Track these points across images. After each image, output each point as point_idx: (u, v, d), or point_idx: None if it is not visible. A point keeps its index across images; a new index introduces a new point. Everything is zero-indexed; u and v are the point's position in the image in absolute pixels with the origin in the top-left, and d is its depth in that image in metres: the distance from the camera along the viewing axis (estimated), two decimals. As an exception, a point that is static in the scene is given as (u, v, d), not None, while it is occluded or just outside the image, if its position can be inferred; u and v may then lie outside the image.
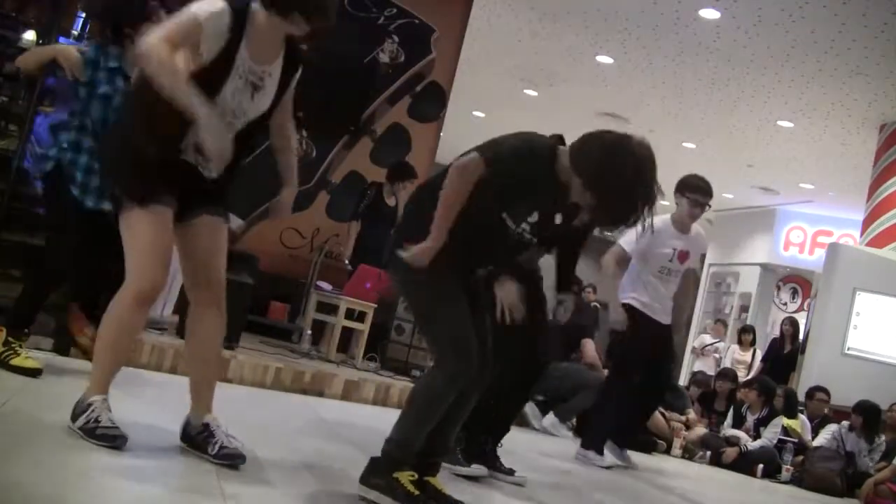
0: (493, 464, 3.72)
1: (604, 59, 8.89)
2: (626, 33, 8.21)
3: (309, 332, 6.19)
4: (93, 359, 2.72)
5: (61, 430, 2.56)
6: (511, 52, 9.32)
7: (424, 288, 2.68)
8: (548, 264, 3.91)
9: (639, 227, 2.67)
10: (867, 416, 6.88)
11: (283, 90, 2.74)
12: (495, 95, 10.74)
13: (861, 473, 6.65)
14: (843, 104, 8.78)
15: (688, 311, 5.28)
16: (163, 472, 2.52)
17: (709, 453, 6.95)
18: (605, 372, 6.15)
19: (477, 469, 3.59)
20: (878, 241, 8.74)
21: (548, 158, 2.68)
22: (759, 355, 10.35)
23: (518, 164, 2.63)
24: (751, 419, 7.27)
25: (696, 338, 12.61)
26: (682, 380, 10.78)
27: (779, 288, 14.24)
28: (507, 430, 3.98)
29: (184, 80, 2.44)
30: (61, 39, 5.08)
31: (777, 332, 10.80)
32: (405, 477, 2.60)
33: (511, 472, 3.73)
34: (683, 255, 5.09)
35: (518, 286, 3.48)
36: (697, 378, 8.55)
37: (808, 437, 7.16)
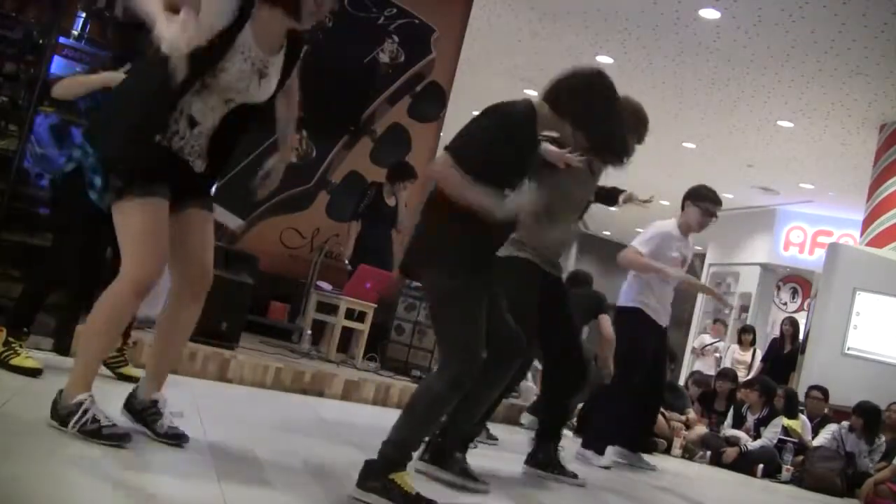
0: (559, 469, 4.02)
1: (604, 59, 8.89)
2: (626, 33, 8.21)
3: (309, 332, 6.19)
4: (79, 351, 2.71)
5: (57, 431, 2.56)
6: (511, 52, 9.32)
7: (448, 291, 2.74)
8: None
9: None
10: (867, 418, 6.88)
11: (284, 80, 2.81)
12: (495, 95, 10.66)
13: (861, 473, 6.65)
14: (843, 104, 8.78)
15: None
16: (162, 471, 2.52)
17: (709, 453, 6.95)
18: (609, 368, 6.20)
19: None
20: (878, 241, 8.74)
21: (531, 121, 2.83)
22: (759, 355, 10.35)
23: (505, 142, 2.75)
24: (751, 419, 7.27)
25: (696, 338, 12.61)
26: (683, 380, 10.77)
27: (779, 288, 14.25)
28: (560, 435, 4.18)
29: (169, 29, 2.33)
30: (61, 39, 5.08)
31: (777, 332, 10.79)
32: (402, 477, 2.60)
33: (574, 475, 4.02)
34: (683, 261, 5.22)
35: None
36: (697, 378, 8.55)
37: (808, 437, 7.16)
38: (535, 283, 3.69)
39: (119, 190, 2.57)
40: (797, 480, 6.74)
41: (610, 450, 5.34)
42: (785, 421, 7.13)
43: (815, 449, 6.87)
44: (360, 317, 6.28)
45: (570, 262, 18.76)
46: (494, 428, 5.04)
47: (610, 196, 4.45)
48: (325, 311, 6.25)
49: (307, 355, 5.88)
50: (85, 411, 2.52)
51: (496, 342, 2.86)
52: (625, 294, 5.17)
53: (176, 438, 2.72)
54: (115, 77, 3.59)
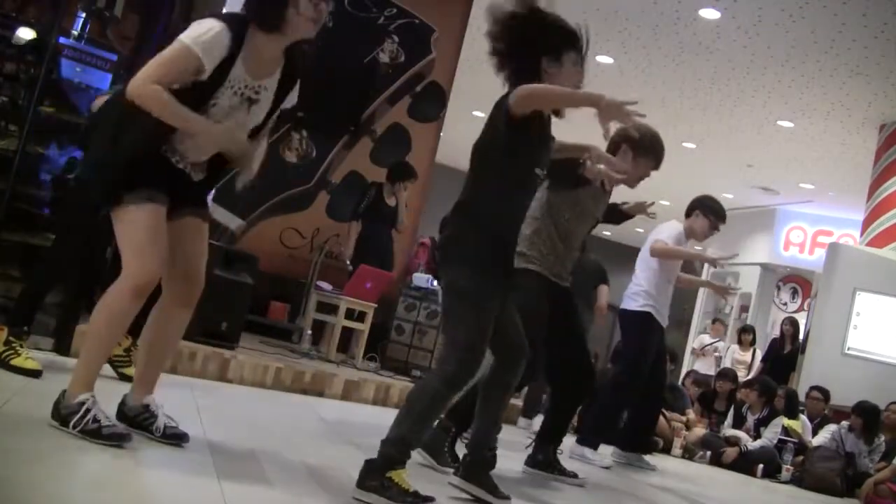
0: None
1: (604, 59, 8.89)
2: (626, 33, 8.21)
3: (309, 332, 6.19)
4: (81, 352, 2.72)
5: (57, 430, 2.56)
6: (511, 52, 9.30)
7: (471, 292, 2.79)
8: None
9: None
10: (866, 418, 6.88)
11: (278, 103, 2.80)
12: (495, 95, 10.67)
13: (861, 474, 6.65)
14: (843, 104, 8.77)
15: None
16: (162, 471, 2.52)
17: (709, 453, 6.95)
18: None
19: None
20: (878, 241, 8.74)
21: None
22: (759, 355, 10.35)
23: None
24: (751, 419, 7.27)
25: (696, 338, 12.60)
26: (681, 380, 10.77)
27: (779, 288, 14.23)
28: (561, 439, 4.23)
29: (184, 114, 2.54)
30: (61, 40, 5.07)
31: (777, 332, 10.79)
32: (399, 475, 2.61)
33: (574, 474, 4.08)
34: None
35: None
36: (697, 378, 8.55)
37: (808, 437, 7.16)
38: (543, 294, 3.76)
39: (118, 196, 2.59)
40: (797, 480, 6.74)
41: (610, 450, 5.35)
42: (785, 421, 7.13)
43: (814, 449, 6.87)
44: (360, 317, 6.28)
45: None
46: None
47: (614, 212, 4.45)
48: (325, 311, 6.25)
49: (307, 355, 5.88)
50: (86, 411, 2.53)
51: (508, 348, 2.99)
52: (633, 297, 5.22)
53: (176, 438, 2.73)
54: None
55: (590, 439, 5.04)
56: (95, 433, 2.50)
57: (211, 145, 2.69)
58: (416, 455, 3.38)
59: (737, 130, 10.45)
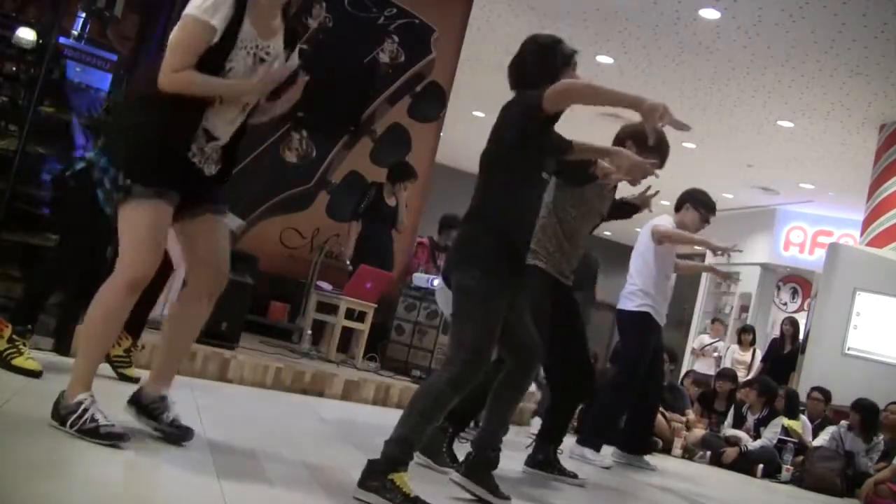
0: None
1: (604, 59, 8.89)
2: (626, 33, 8.21)
3: (309, 332, 6.19)
4: (78, 350, 2.73)
5: (57, 430, 2.56)
6: (511, 53, 9.30)
7: (481, 294, 2.81)
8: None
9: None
10: (865, 415, 6.88)
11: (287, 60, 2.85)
12: (495, 95, 10.68)
13: (861, 473, 6.65)
14: (843, 104, 8.77)
15: None
16: (162, 470, 2.52)
17: (709, 453, 6.95)
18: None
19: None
20: (878, 241, 8.73)
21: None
22: (759, 355, 10.35)
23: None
24: (751, 419, 7.26)
25: (696, 338, 12.60)
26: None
27: (779, 288, 14.23)
28: (561, 439, 4.23)
29: (222, 83, 2.63)
30: (61, 40, 5.07)
31: (777, 332, 10.79)
32: (401, 478, 2.61)
33: (574, 475, 4.09)
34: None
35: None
36: (697, 378, 8.55)
37: (808, 437, 7.15)
38: (547, 292, 3.77)
39: (128, 190, 2.61)
40: (797, 480, 6.74)
41: (610, 450, 5.34)
42: (785, 421, 7.13)
43: (814, 449, 6.87)
44: (360, 317, 6.28)
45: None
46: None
47: (622, 207, 4.40)
48: (325, 311, 6.25)
49: (307, 355, 5.88)
50: (84, 411, 2.53)
51: (518, 350, 3.04)
52: (629, 297, 5.18)
53: (180, 430, 2.76)
54: None
55: (590, 440, 5.03)
56: (93, 433, 2.50)
57: (254, 97, 2.74)
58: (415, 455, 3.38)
59: (737, 130, 10.45)
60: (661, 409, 6.93)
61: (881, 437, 6.94)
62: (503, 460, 3.16)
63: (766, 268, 13.90)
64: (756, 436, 7.09)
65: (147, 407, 2.80)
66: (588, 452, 4.96)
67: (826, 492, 6.53)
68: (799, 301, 13.97)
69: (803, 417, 7.33)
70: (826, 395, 7.49)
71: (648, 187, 4.16)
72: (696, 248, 15.25)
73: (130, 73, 4.70)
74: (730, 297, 14.37)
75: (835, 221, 13.17)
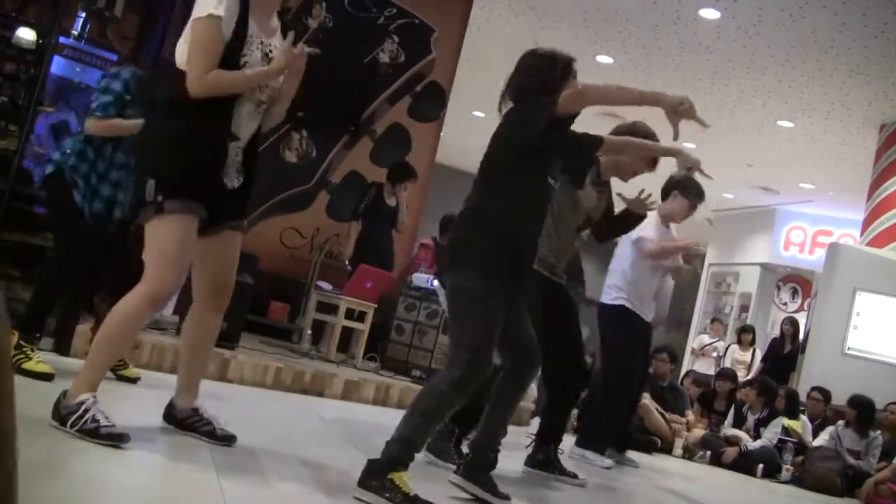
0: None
1: (604, 59, 8.89)
2: (626, 33, 8.21)
3: (309, 332, 6.19)
4: (89, 354, 2.73)
5: (58, 431, 2.56)
6: (511, 53, 9.30)
7: (477, 294, 2.80)
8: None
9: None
10: (860, 410, 6.88)
11: None
12: (495, 95, 10.69)
13: (861, 473, 6.65)
14: (843, 104, 8.77)
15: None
16: (163, 470, 2.52)
17: (709, 453, 6.95)
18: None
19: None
20: (878, 241, 8.73)
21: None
22: (759, 355, 10.35)
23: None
24: (751, 419, 7.27)
25: (696, 338, 12.60)
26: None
27: (779, 288, 14.24)
28: (560, 438, 4.22)
29: (248, 74, 2.69)
30: (61, 39, 5.08)
31: (777, 332, 10.79)
32: (400, 477, 2.61)
33: (574, 475, 4.05)
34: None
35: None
36: (697, 378, 8.55)
37: (808, 437, 7.15)
38: (539, 291, 3.74)
39: (160, 206, 2.64)
40: (797, 480, 6.74)
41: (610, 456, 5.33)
42: (785, 421, 7.13)
43: (814, 449, 6.87)
44: (360, 317, 6.28)
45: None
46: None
47: (625, 220, 4.20)
48: (325, 311, 6.25)
49: (307, 355, 5.88)
50: (85, 411, 2.53)
51: (517, 351, 3.02)
52: (606, 290, 5.13)
53: (225, 440, 2.88)
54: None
55: (591, 442, 5.02)
56: (93, 433, 2.50)
57: (274, 79, 2.78)
58: (421, 455, 3.37)
59: (737, 130, 10.45)
60: (661, 409, 6.95)
61: (878, 432, 6.93)
62: (503, 460, 3.16)
63: (766, 268, 13.90)
64: (756, 436, 7.09)
65: (184, 422, 2.90)
66: (588, 453, 4.95)
67: (826, 492, 6.53)
68: (799, 301, 13.97)
69: (803, 417, 7.33)
70: (826, 395, 7.49)
71: (642, 190, 4.08)
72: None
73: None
74: (730, 297, 14.37)
75: (835, 221, 13.17)
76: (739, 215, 14.25)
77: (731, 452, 6.86)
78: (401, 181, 6.91)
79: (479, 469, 3.03)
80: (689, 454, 6.94)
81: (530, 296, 3.54)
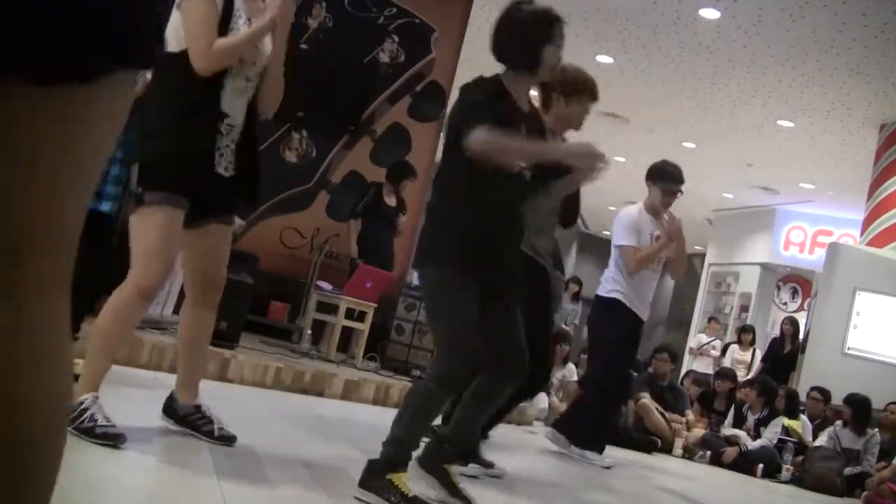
0: (475, 457, 3.68)
1: (604, 59, 8.89)
2: (626, 33, 8.21)
3: (309, 331, 6.19)
4: (87, 354, 2.73)
5: (61, 430, 2.55)
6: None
7: (443, 288, 2.73)
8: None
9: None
10: (857, 408, 6.88)
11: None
12: (495, 95, 10.65)
13: (860, 473, 6.64)
14: (843, 104, 8.77)
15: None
16: (162, 470, 2.52)
17: (709, 453, 6.95)
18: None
19: (473, 469, 3.60)
20: (878, 241, 8.73)
21: (500, 88, 2.88)
22: (759, 355, 10.35)
23: (491, 107, 2.75)
24: (751, 419, 7.27)
25: (693, 338, 12.59)
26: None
27: (779, 288, 14.24)
28: (494, 424, 3.98)
29: (241, 37, 2.68)
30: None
31: (777, 332, 10.79)
32: (399, 478, 2.61)
33: (491, 464, 3.71)
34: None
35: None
36: (697, 377, 8.55)
37: (808, 437, 7.16)
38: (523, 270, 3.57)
39: (140, 197, 2.64)
40: (797, 480, 6.74)
41: (612, 451, 5.32)
42: (785, 421, 7.13)
43: (815, 449, 6.87)
44: (360, 317, 6.28)
45: (571, 263, 18.76)
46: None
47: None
48: (325, 311, 6.25)
49: (307, 355, 5.88)
50: (84, 410, 2.53)
51: (498, 354, 2.82)
52: (603, 283, 5.08)
53: (226, 440, 2.86)
54: None
55: (590, 442, 5.01)
56: (89, 432, 2.50)
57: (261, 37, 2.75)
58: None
59: (737, 130, 10.45)
60: (660, 409, 6.95)
61: (875, 431, 6.93)
62: (503, 460, 3.16)
63: (766, 267, 13.90)
64: (756, 435, 7.09)
65: (185, 418, 2.89)
66: (588, 453, 4.94)
67: (826, 492, 6.53)
68: (799, 301, 13.98)
69: (803, 417, 7.33)
70: (825, 394, 7.49)
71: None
72: (698, 247, 15.27)
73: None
74: (730, 297, 14.38)
75: (835, 221, 13.17)
76: (739, 215, 14.25)
77: (731, 452, 6.86)
78: (400, 180, 6.91)
79: (434, 458, 2.84)
80: (689, 454, 6.94)
81: (520, 281, 3.23)
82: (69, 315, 0.93)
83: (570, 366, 7.88)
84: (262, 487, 2.54)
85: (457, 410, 2.96)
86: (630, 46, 8.50)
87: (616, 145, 10.79)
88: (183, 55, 2.63)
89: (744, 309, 13.90)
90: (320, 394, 5.13)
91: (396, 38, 7.78)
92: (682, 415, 7.18)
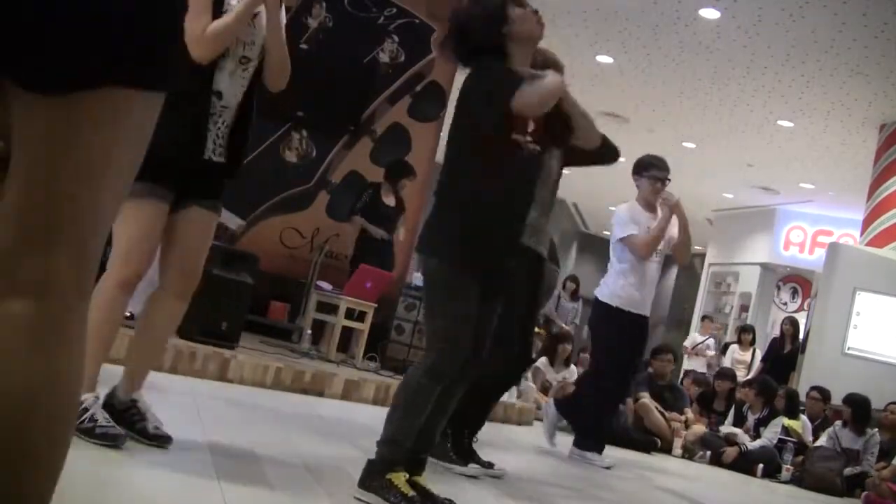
0: (472, 457, 3.71)
1: (604, 59, 8.89)
2: (626, 33, 8.21)
3: (309, 331, 6.19)
4: None
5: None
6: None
7: (443, 282, 2.70)
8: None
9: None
10: (856, 408, 6.88)
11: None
12: (495, 95, 10.65)
13: (860, 473, 6.64)
14: (843, 104, 8.77)
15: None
16: (161, 471, 2.52)
17: (709, 453, 6.95)
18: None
19: (473, 468, 3.60)
20: (878, 241, 8.73)
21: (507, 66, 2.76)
22: (759, 355, 10.35)
23: (512, 72, 2.71)
24: (751, 419, 7.26)
25: (688, 337, 12.57)
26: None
27: (779, 288, 14.24)
28: (483, 423, 3.99)
29: (232, 16, 2.62)
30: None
31: (777, 332, 10.79)
32: (399, 478, 2.60)
33: (490, 465, 3.72)
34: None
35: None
36: (697, 378, 8.55)
37: (808, 437, 7.15)
38: (523, 262, 3.48)
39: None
40: (797, 480, 6.74)
41: (613, 451, 5.32)
42: (785, 421, 7.12)
43: (814, 449, 6.87)
44: (360, 316, 6.28)
45: (570, 263, 18.77)
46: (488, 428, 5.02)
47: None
48: (325, 311, 6.25)
49: (307, 355, 5.88)
50: (84, 410, 2.53)
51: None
52: (602, 286, 5.07)
53: (159, 440, 2.64)
54: None
55: (590, 442, 5.01)
56: (89, 432, 2.49)
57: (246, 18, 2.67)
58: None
59: (737, 130, 10.45)
60: (660, 408, 6.95)
61: (875, 430, 6.93)
62: (504, 459, 3.16)
63: (766, 267, 13.91)
64: (756, 435, 7.09)
65: (122, 414, 2.67)
66: (588, 454, 4.94)
67: (826, 492, 6.52)
68: (799, 301, 13.98)
69: (804, 417, 7.33)
70: (825, 394, 7.48)
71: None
72: (698, 247, 15.27)
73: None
74: (730, 296, 14.38)
75: (835, 221, 13.17)
76: (739, 215, 14.25)
77: (731, 452, 6.86)
78: (398, 179, 6.90)
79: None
80: (688, 454, 6.94)
81: (516, 279, 3.20)
82: (85, 314, 0.97)
83: (572, 367, 7.89)
84: (262, 487, 2.54)
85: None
86: (630, 46, 8.50)
87: (616, 145, 10.78)
88: None
89: (744, 309, 13.90)
90: (320, 394, 5.13)
91: (396, 38, 7.78)
92: (682, 413, 7.18)
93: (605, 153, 3.91)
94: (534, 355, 7.53)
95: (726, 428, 7.24)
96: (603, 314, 5.04)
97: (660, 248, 5.02)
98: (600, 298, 5.04)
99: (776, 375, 8.58)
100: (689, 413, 7.28)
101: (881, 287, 8.26)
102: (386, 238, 6.81)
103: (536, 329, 8.09)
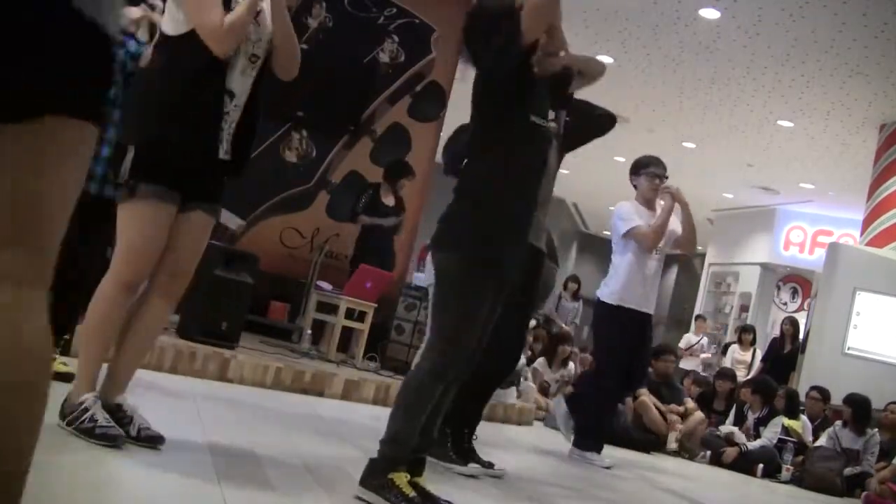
0: (472, 457, 3.71)
1: (604, 59, 8.88)
2: (626, 33, 8.21)
3: (309, 331, 6.19)
4: (79, 352, 2.71)
5: (60, 430, 2.56)
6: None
7: (457, 280, 2.68)
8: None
9: None
10: (856, 408, 6.88)
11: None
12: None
13: (860, 474, 6.64)
14: (843, 104, 8.78)
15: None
16: (161, 471, 2.52)
17: (709, 453, 6.95)
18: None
19: (473, 468, 3.60)
20: (878, 241, 8.74)
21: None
22: (760, 355, 10.35)
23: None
24: (751, 419, 7.26)
25: (683, 338, 12.55)
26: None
27: (779, 288, 14.25)
28: (480, 419, 3.99)
29: (243, 7, 2.59)
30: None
31: (777, 332, 10.79)
32: (400, 478, 2.60)
33: (490, 465, 3.71)
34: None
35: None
36: (697, 378, 8.55)
37: (808, 437, 7.15)
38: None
39: (133, 189, 2.57)
40: (797, 480, 6.74)
41: (613, 450, 5.33)
42: (785, 421, 7.12)
43: (814, 449, 6.86)
44: (360, 316, 6.28)
45: (570, 263, 18.77)
46: (487, 427, 5.02)
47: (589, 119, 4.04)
48: (325, 311, 6.25)
49: (307, 355, 5.88)
50: (84, 410, 2.53)
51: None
52: (603, 286, 5.06)
53: (150, 441, 2.60)
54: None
55: (589, 442, 5.01)
56: (89, 432, 2.50)
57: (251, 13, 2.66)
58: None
59: (737, 130, 10.45)
60: (657, 403, 6.93)
61: (875, 430, 6.93)
62: (503, 459, 3.16)
63: (766, 267, 13.91)
64: (756, 435, 7.09)
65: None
66: (588, 454, 4.94)
67: (826, 492, 6.52)
68: (799, 301, 13.98)
69: (804, 417, 7.32)
70: (824, 394, 7.48)
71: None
72: (698, 247, 15.26)
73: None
74: (730, 296, 14.38)
75: (835, 221, 13.18)
76: (739, 215, 14.26)
77: (731, 452, 6.85)
78: (397, 179, 6.90)
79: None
80: (688, 454, 6.94)
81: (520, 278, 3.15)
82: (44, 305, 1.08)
83: (571, 367, 7.89)
84: (262, 487, 2.54)
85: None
86: (630, 46, 8.51)
87: (616, 145, 10.79)
88: (185, 37, 2.56)
89: (744, 309, 13.91)
90: (320, 394, 5.13)
91: (396, 38, 7.78)
92: (679, 405, 7.13)
93: (603, 121, 4.03)
94: (528, 351, 7.54)
95: (726, 428, 7.24)
96: (605, 314, 5.04)
97: (661, 245, 5.03)
98: (602, 298, 5.04)
99: (776, 375, 8.58)
100: (690, 403, 7.26)
101: (881, 287, 8.26)
102: (395, 224, 6.83)
103: (534, 326, 8.10)
